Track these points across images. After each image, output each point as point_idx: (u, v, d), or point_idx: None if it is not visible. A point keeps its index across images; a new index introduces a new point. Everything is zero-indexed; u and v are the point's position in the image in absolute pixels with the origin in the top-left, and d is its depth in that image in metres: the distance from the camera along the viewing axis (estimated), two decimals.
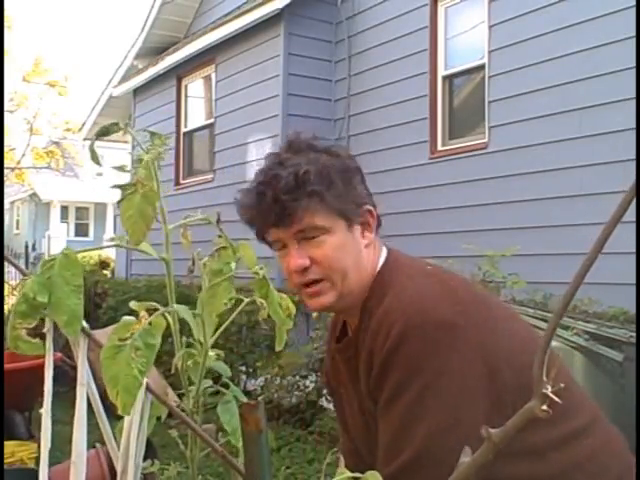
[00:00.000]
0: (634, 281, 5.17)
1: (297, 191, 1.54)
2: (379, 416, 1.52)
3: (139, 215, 1.04)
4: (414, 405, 1.44)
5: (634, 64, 5.46)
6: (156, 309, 1.13)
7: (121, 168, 1.10)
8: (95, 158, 1.14)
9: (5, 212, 31.69)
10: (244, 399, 1.39)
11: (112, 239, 1.16)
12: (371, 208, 1.66)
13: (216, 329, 1.46)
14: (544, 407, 0.70)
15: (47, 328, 1.03)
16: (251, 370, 6.86)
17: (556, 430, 1.50)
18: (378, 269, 1.64)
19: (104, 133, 1.12)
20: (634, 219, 4.73)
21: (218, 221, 1.38)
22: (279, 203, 1.54)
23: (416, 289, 1.54)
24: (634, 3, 5.49)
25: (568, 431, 1.54)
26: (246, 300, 1.46)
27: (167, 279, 1.11)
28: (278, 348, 1.54)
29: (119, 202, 1.06)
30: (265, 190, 1.57)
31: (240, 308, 1.47)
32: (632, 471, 1.60)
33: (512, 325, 1.66)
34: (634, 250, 5.27)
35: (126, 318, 1.05)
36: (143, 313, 1.11)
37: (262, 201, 1.57)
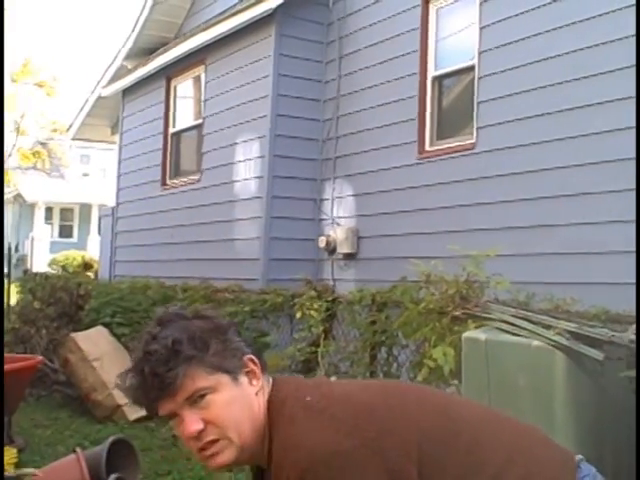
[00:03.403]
0: (616, 280, 5.16)
1: (172, 360, 1.60)
2: None
3: None
4: None
5: (623, 65, 5.47)
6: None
7: None
8: None
9: None
10: None
11: None
12: (252, 357, 1.71)
13: None
14: None
15: None
16: None
17: None
18: (265, 413, 1.68)
19: None
20: (619, 219, 4.72)
21: None
22: (157, 376, 1.60)
23: (298, 432, 1.57)
24: (623, 5, 5.49)
25: None
26: None
27: None
28: None
29: None
30: (142, 367, 1.63)
31: None
32: None
33: (409, 406, 1.68)
34: (617, 250, 5.28)
35: None
36: None
37: (141, 379, 1.63)
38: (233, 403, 1.63)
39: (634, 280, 4.54)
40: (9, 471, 4.54)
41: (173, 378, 1.59)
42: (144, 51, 11.24)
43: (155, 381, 1.60)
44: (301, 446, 1.53)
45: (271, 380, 1.73)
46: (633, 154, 5.21)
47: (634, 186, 5.04)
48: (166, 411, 1.64)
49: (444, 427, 1.64)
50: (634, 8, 5.37)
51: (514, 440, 1.71)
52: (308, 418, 1.59)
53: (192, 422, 1.61)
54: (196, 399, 1.62)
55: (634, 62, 5.32)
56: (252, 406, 1.65)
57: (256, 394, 1.67)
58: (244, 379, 1.66)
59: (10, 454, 4.77)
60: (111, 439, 4.24)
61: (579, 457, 1.78)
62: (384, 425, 1.58)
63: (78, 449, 4.19)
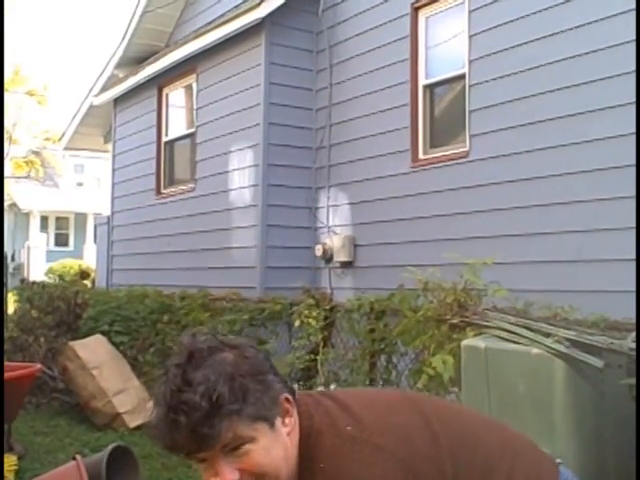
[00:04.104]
0: (614, 288, 5.21)
1: (214, 417, 1.49)
2: None
3: None
4: None
5: (615, 73, 5.52)
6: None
7: None
8: None
9: None
10: None
11: None
12: (287, 396, 1.64)
13: None
14: None
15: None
16: None
17: None
18: (299, 442, 1.64)
19: None
20: (613, 227, 4.78)
21: None
22: (197, 434, 1.50)
23: (350, 467, 1.56)
24: (614, 12, 5.55)
25: None
26: None
27: None
28: None
29: None
30: (177, 418, 1.50)
31: None
32: None
33: (452, 424, 1.74)
34: (615, 257, 5.33)
35: None
36: None
37: (177, 432, 1.51)
38: (270, 450, 1.56)
39: (632, 287, 4.57)
40: (9, 478, 4.58)
41: (214, 436, 1.50)
42: (135, 60, 11.24)
43: (194, 437, 1.50)
44: None
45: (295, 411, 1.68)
46: (627, 162, 5.26)
47: (629, 194, 5.10)
48: (197, 459, 1.57)
49: (465, 445, 1.69)
50: (625, 15, 5.45)
51: (513, 445, 1.79)
52: (356, 451, 1.58)
53: (228, 474, 1.54)
54: (232, 448, 1.54)
55: (626, 69, 5.38)
56: (286, 447, 1.60)
57: (288, 434, 1.62)
58: (279, 421, 1.60)
59: (10, 461, 4.81)
60: (111, 446, 4.21)
61: (558, 461, 1.86)
62: (419, 451, 1.62)
63: (78, 456, 4.16)
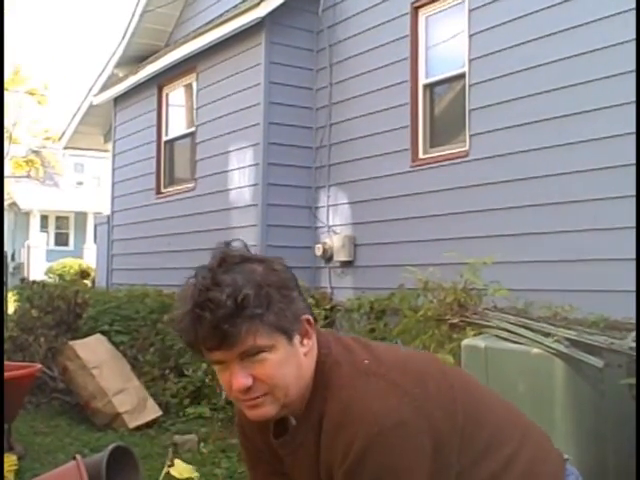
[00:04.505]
0: (614, 288, 5.21)
1: (237, 317, 1.55)
2: None
3: None
4: None
5: (614, 72, 5.52)
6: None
7: None
8: None
9: None
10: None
11: None
12: (309, 317, 1.68)
13: None
14: None
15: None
16: None
17: (490, 462, 1.68)
18: (314, 369, 1.68)
19: None
20: (612, 227, 4.78)
21: None
22: (219, 330, 1.55)
23: (363, 397, 1.59)
24: (613, 12, 5.55)
25: (502, 460, 1.70)
26: None
27: None
28: None
29: None
30: (202, 314, 1.56)
31: None
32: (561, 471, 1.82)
33: (458, 381, 1.77)
34: (613, 257, 5.33)
35: None
36: None
37: (200, 326, 1.57)
38: (285, 364, 1.61)
39: (631, 287, 4.57)
40: (9, 478, 4.58)
41: (235, 335, 1.55)
42: (135, 59, 11.25)
43: (215, 333, 1.55)
44: (369, 412, 1.56)
45: (315, 340, 1.71)
46: (624, 161, 5.27)
47: (627, 193, 5.11)
48: (214, 358, 1.63)
49: (478, 412, 1.72)
50: (623, 15, 5.45)
51: (525, 428, 1.84)
52: (372, 383, 1.61)
53: (242, 377, 1.60)
54: (250, 355, 1.59)
55: (625, 69, 5.38)
56: (300, 366, 1.64)
57: (305, 354, 1.66)
58: (297, 339, 1.64)
59: (10, 461, 4.79)
60: (111, 446, 4.20)
61: (566, 457, 1.89)
62: (434, 397, 1.64)
63: (78, 456, 4.16)
